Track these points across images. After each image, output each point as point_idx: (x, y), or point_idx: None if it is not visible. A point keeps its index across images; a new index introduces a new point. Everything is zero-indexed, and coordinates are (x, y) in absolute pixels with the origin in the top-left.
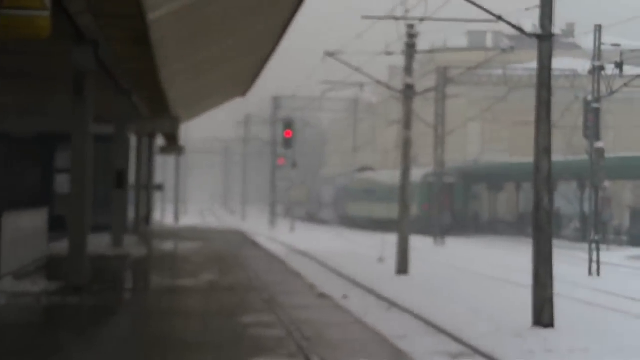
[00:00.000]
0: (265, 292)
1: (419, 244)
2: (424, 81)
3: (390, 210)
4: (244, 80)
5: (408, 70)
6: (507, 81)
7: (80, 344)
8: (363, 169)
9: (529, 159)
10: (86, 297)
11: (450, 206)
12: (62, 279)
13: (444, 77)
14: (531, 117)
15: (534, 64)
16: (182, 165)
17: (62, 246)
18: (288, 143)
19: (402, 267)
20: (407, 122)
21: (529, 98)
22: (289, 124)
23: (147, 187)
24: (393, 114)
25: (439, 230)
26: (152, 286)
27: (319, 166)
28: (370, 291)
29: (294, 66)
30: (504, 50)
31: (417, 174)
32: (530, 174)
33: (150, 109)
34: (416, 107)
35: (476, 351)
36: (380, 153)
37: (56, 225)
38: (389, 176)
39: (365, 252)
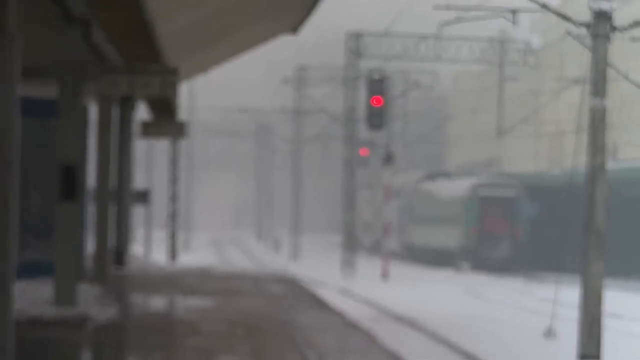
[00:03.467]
0: None
1: (613, 302)
2: (633, 7)
3: (446, 236)
4: (294, 4)
5: None
6: None
7: None
8: (433, 175)
9: None
10: None
11: (511, 232)
12: None
13: None
14: None
15: None
16: (183, 158)
17: None
18: (377, 118)
19: (590, 347)
20: (597, 83)
21: None
22: (378, 84)
23: (120, 198)
24: (571, 68)
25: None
26: None
27: (437, 160)
28: None
29: None
30: None
31: (462, 185)
32: None
33: (126, 53)
34: (616, 54)
35: None
36: (546, 138)
37: None
38: (456, 186)
39: (514, 317)
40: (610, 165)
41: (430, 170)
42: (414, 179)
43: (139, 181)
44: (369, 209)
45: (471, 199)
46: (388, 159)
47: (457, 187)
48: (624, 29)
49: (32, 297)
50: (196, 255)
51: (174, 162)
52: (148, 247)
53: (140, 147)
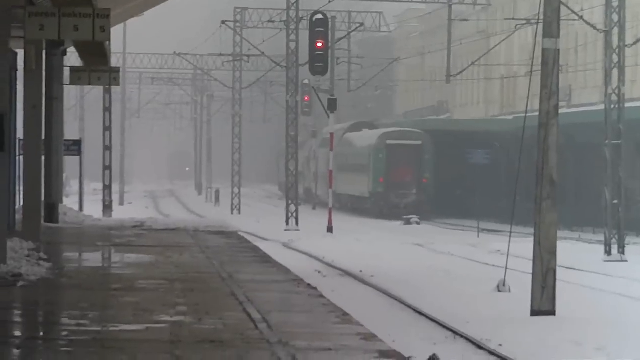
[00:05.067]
0: (282, 350)
1: (567, 255)
2: None
3: (360, 184)
4: None
5: None
6: None
7: None
8: (358, 125)
9: None
10: None
11: (416, 180)
12: None
13: None
14: None
15: None
16: (117, 106)
17: None
18: (320, 62)
19: (544, 301)
20: (550, 23)
21: None
22: (321, 24)
23: (50, 148)
24: (523, 7)
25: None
26: (63, 338)
27: (386, 106)
28: (481, 347)
29: None
30: None
31: (370, 135)
32: None
33: None
34: None
35: None
36: (498, 82)
37: None
38: (369, 136)
39: (465, 270)
40: (565, 109)
41: (356, 120)
42: (343, 128)
43: (71, 131)
44: (301, 157)
45: (378, 148)
46: (331, 106)
47: (369, 137)
48: None
49: None
50: (132, 208)
51: (107, 108)
52: (82, 201)
53: (70, 94)
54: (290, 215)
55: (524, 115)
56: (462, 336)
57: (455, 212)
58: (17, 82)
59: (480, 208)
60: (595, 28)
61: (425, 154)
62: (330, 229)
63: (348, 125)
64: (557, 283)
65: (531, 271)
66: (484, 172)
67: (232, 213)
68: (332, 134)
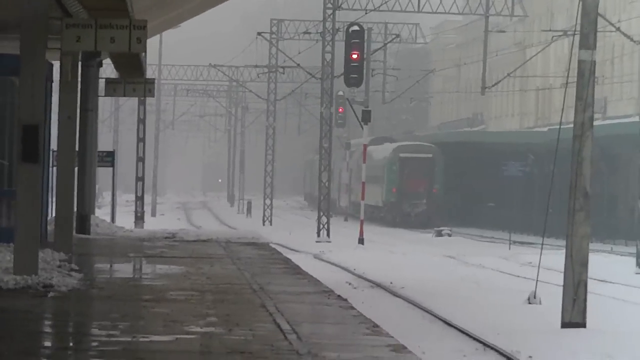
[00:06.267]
0: None
1: (598, 267)
2: None
3: (376, 195)
4: None
5: None
6: None
7: None
8: (379, 139)
9: None
10: None
11: (427, 190)
12: None
13: None
14: None
15: None
16: (152, 118)
17: None
18: (355, 73)
19: (574, 314)
20: (587, 34)
21: None
22: (357, 36)
23: (83, 159)
24: (560, 19)
25: None
26: (93, 348)
27: (422, 118)
28: (511, 359)
29: None
30: None
31: (386, 148)
32: None
33: (90, 6)
34: (607, 4)
35: None
36: (533, 93)
37: None
38: (385, 149)
39: (496, 282)
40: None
41: (379, 135)
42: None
43: (104, 143)
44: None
45: (392, 160)
46: (365, 117)
47: (385, 150)
48: None
49: None
50: (164, 220)
51: (141, 120)
52: (114, 212)
53: (105, 105)
54: (321, 226)
55: (558, 127)
56: (492, 348)
57: (466, 222)
58: (53, 93)
59: (509, 220)
60: (632, 39)
61: (436, 166)
62: (361, 241)
63: (370, 139)
64: (588, 295)
65: (562, 283)
66: (514, 184)
67: (263, 224)
68: (365, 145)
